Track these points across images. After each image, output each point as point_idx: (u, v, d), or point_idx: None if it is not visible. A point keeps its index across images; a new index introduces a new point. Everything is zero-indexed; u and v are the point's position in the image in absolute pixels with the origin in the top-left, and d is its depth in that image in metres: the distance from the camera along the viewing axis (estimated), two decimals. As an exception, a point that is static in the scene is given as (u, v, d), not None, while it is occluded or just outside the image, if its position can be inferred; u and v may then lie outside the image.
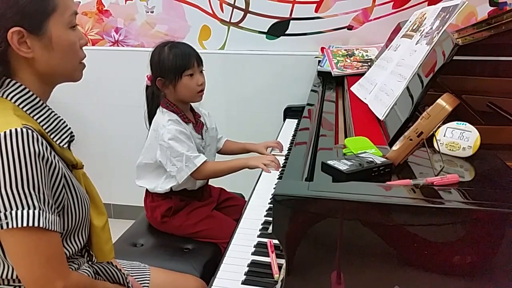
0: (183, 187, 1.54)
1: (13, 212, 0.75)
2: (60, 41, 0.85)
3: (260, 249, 1.07)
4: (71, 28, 0.88)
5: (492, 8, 2.01)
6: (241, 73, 2.31)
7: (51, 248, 0.80)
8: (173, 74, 1.45)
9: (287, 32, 2.22)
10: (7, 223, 0.75)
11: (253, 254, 1.06)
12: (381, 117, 1.15)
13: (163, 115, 1.49)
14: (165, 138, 1.44)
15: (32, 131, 0.78)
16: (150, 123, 1.55)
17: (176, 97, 1.50)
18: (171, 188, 1.53)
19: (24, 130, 0.76)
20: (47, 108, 0.88)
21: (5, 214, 0.74)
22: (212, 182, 1.69)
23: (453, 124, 0.91)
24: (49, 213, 0.78)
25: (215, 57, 2.28)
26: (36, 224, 0.76)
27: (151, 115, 1.56)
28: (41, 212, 0.77)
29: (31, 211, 0.75)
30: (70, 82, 0.94)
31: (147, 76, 1.52)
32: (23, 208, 0.75)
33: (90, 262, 0.99)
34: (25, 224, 0.75)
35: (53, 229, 0.79)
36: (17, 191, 0.75)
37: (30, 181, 0.76)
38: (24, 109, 0.84)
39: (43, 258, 0.79)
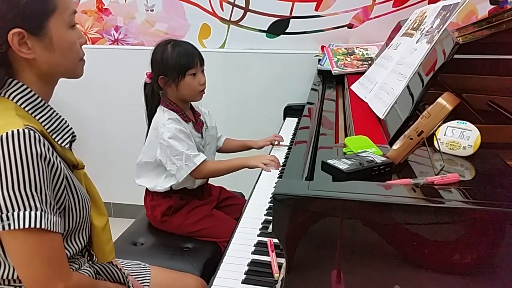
0: (183, 186, 1.54)
1: (15, 213, 0.74)
2: (60, 41, 0.85)
3: (260, 248, 1.07)
4: (71, 27, 0.87)
5: (492, 6, 2.00)
6: (241, 71, 2.30)
7: (52, 249, 0.80)
8: (176, 73, 1.45)
9: (287, 30, 2.21)
10: (9, 224, 0.74)
11: (253, 253, 1.06)
12: (381, 116, 1.15)
13: (163, 114, 1.49)
14: (165, 136, 1.43)
15: (34, 132, 0.78)
16: (150, 122, 1.55)
17: (177, 96, 1.50)
18: (171, 187, 1.53)
19: (26, 131, 0.76)
20: (49, 108, 0.88)
21: (7, 215, 0.74)
22: (212, 181, 1.69)
23: (454, 123, 0.91)
24: (50, 214, 0.78)
25: (215, 56, 2.28)
26: (38, 225, 0.75)
27: (151, 113, 1.56)
28: (43, 213, 0.76)
29: (33, 213, 0.75)
30: (71, 80, 0.94)
31: (146, 74, 1.52)
32: (25, 210, 0.75)
33: (90, 262, 0.99)
34: (27, 225, 0.75)
35: (54, 230, 0.79)
36: (19, 192, 0.75)
37: (32, 182, 0.75)
38: (26, 109, 0.84)
39: (45, 259, 0.79)
